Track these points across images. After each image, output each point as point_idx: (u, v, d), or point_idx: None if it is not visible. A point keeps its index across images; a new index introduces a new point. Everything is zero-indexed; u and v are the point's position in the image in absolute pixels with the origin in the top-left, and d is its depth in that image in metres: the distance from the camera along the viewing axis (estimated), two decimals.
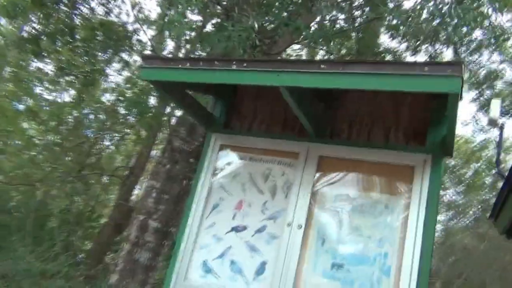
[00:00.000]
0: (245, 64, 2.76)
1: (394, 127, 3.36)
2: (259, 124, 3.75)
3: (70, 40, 8.02)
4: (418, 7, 6.61)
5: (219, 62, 2.84)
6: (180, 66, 3.00)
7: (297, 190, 3.31)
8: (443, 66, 2.26)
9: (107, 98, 11.92)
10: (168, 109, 10.11)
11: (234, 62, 2.79)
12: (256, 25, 4.31)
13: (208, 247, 3.46)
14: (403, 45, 8.47)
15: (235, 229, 3.43)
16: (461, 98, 2.39)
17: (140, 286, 5.50)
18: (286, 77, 2.67)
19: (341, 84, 2.52)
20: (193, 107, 3.68)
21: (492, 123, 4.03)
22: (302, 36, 6.42)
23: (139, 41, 8.70)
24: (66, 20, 7.78)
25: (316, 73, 2.56)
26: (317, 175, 3.34)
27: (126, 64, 8.86)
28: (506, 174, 3.88)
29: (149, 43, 9.10)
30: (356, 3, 7.88)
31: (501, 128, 4.10)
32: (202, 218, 3.54)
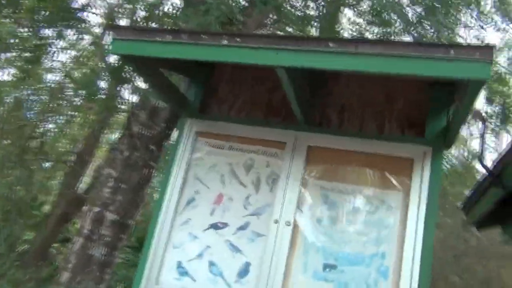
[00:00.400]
0: (238, 39, 2.38)
1: (388, 115, 3.10)
2: (239, 109, 3.38)
3: (14, 11, 7.19)
4: None
5: (206, 35, 2.44)
6: (158, 38, 2.58)
7: (284, 183, 2.99)
8: (471, 49, 2.00)
9: (52, 78, 10.98)
10: (122, 91, 9.42)
11: (224, 36, 2.41)
12: None
13: (182, 246, 3.09)
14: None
15: (214, 226, 3.07)
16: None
17: (96, 283, 5.02)
18: (286, 55, 2.32)
19: (353, 65, 2.20)
20: (166, 88, 3.26)
21: (477, 115, 3.91)
22: (274, 17, 6.08)
23: (92, 13, 7.95)
24: None
25: (323, 53, 2.24)
26: (307, 167, 3.03)
27: (80, 34, 8.03)
28: (490, 167, 3.76)
29: (102, 19, 8.37)
30: None
31: (484, 120, 3.99)
32: (176, 213, 3.16)
